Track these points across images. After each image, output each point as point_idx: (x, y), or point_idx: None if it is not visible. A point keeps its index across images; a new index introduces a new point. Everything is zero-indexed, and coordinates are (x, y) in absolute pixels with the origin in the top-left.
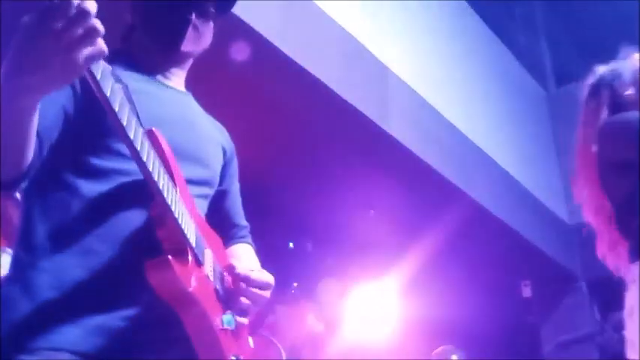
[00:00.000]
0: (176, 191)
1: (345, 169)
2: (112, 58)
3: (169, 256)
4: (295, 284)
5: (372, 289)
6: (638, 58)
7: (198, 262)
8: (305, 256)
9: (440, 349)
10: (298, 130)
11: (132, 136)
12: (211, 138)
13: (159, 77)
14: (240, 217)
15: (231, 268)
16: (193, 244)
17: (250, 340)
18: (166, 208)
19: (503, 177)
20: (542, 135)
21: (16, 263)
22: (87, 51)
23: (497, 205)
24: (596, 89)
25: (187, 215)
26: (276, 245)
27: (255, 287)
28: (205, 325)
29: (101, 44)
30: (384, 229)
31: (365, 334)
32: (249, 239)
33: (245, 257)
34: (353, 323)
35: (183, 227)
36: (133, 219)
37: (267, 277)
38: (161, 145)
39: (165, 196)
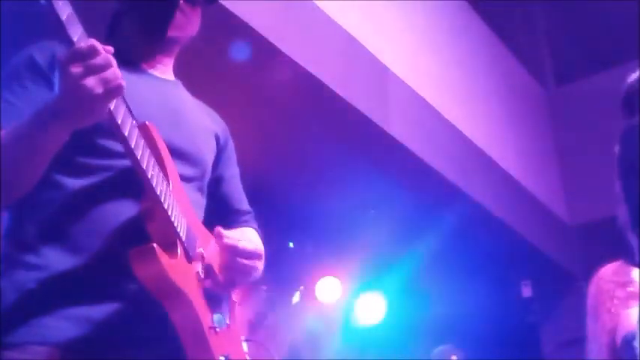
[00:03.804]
0: (169, 186)
1: (344, 169)
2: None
3: (154, 244)
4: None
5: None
6: None
7: (188, 258)
8: (305, 256)
9: (440, 349)
10: (298, 129)
11: (126, 133)
12: (201, 128)
13: (145, 67)
14: (240, 202)
15: (219, 236)
16: (184, 239)
17: (244, 344)
18: (157, 201)
19: (504, 177)
20: (542, 135)
21: (5, 260)
22: (108, 87)
23: (497, 205)
24: (629, 98)
25: (179, 211)
26: (276, 245)
27: (243, 257)
28: (193, 321)
29: (122, 83)
30: (383, 228)
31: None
32: (254, 224)
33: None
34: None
35: (173, 220)
36: (119, 212)
37: (256, 246)
38: (155, 140)
39: (156, 189)
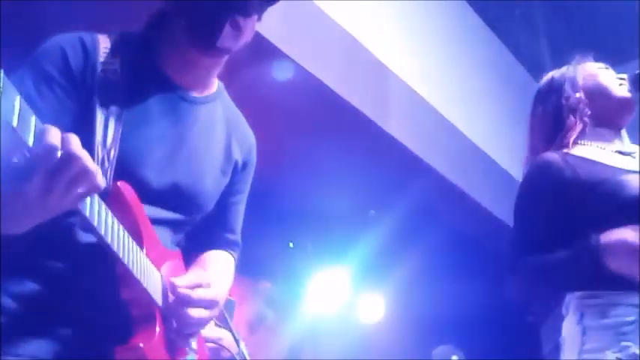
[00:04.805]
0: (142, 251)
1: (344, 169)
2: (137, 48)
3: (141, 345)
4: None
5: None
6: (591, 65)
7: (164, 314)
8: (305, 256)
9: (440, 349)
10: (297, 129)
11: (87, 214)
12: (214, 164)
13: (181, 86)
14: (229, 230)
15: (172, 287)
16: (160, 302)
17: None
18: (130, 275)
19: (503, 176)
20: None
21: None
22: (79, 190)
23: (497, 204)
24: (545, 94)
25: (154, 271)
26: (276, 245)
27: (198, 307)
28: None
29: (95, 182)
30: (383, 228)
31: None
32: (232, 250)
33: (210, 266)
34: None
35: (149, 290)
36: (104, 276)
37: (212, 295)
38: (128, 202)
39: (125, 262)
